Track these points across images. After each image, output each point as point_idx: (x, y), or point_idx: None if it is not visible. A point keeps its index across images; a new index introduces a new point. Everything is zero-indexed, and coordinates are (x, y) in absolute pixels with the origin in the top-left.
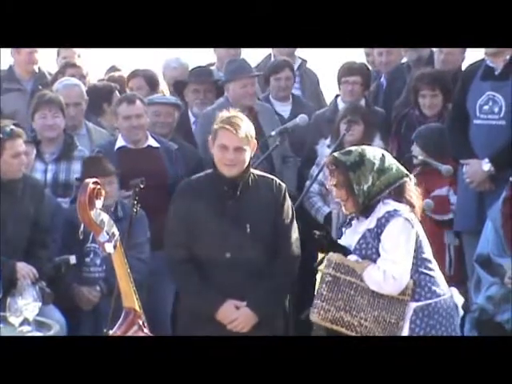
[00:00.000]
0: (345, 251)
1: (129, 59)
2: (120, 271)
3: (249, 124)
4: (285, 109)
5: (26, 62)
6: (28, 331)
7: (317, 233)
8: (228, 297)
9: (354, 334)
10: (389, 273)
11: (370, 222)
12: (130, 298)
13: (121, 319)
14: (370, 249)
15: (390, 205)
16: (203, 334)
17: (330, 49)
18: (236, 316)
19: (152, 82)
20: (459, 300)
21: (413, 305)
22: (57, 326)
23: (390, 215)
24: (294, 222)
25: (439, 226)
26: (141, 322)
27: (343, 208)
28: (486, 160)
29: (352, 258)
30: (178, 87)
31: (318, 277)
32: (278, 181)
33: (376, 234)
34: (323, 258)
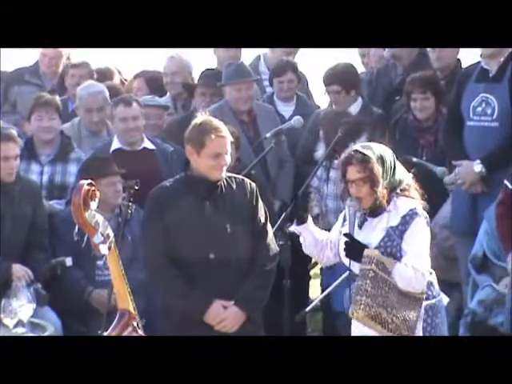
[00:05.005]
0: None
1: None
2: (115, 273)
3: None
4: (287, 109)
5: (48, 65)
6: (22, 333)
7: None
8: (215, 297)
9: (385, 331)
10: (419, 270)
11: (392, 219)
12: (125, 300)
13: (115, 321)
14: (394, 246)
15: (412, 202)
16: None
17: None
18: (225, 316)
19: (153, 85)
20: (445, 300)
21: (424, 303)
22: (51, 327)
23: (414, 213)
24: (268, 220)
25: None
26: (135, 324)
27: (361, 203)
28: (478, 161)
29: None
30: (187, 89)
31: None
32: (249, 180)
33: (400, 231)
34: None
